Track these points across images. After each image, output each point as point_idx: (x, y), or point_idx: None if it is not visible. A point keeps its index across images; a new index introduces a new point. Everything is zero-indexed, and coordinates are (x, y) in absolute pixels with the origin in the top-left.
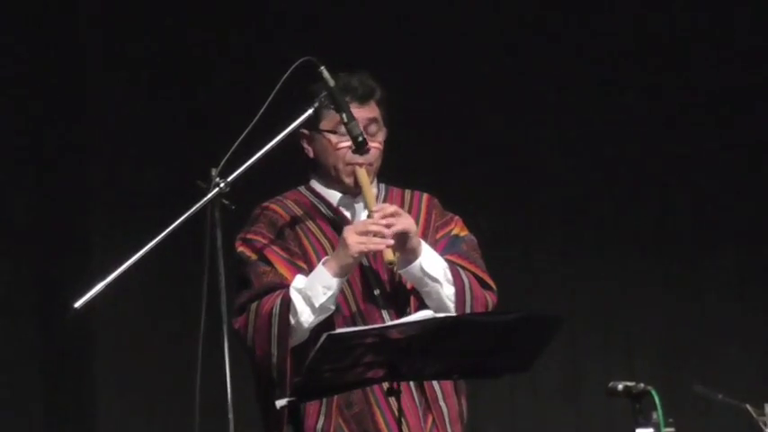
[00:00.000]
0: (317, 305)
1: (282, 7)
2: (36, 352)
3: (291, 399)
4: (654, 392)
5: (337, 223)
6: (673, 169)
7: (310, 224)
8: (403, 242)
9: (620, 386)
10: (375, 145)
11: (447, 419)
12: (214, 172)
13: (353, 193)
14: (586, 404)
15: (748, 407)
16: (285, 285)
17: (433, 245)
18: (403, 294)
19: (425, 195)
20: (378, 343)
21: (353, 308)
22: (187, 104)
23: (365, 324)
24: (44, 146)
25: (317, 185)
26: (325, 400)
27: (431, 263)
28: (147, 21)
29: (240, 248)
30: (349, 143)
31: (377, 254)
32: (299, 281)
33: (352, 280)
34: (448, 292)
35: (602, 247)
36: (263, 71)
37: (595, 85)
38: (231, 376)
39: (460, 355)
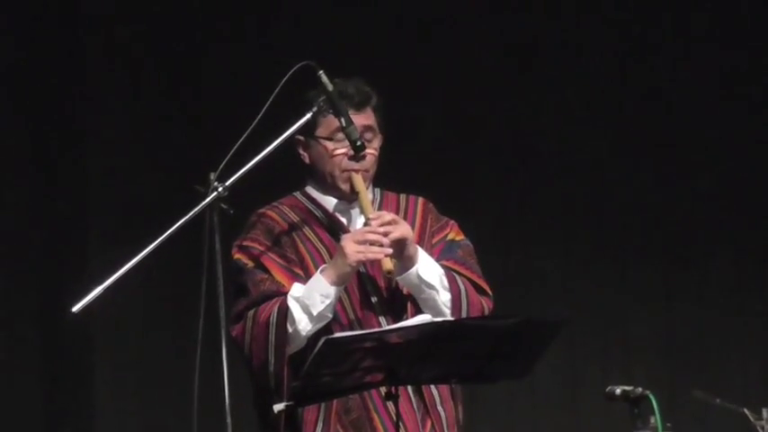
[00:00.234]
0: (314, 314)
1: (282, 11)
2: (34, 356)
3: (289, 403)
4: (652, 397)
5: (334, 229)
6: (672, 174)
7: (307, 231)
8: (400, 249)
9: (619, 390)
10: (370, 151)
11: (445, 424)
12: (212, 176)
13: (349, 199)
14: (585, 408)
15: (746, 411)
16: (282, 293)
17: (429, 250)
18: (400, 301)
19: (420, 200)
20: (376, 347)
21: (351, 315)
22: (186, 108)
23: (362, 329)
24: (43, 149)
25: (312, 191)
26: (323, 407)
27: (427, 270)
28: (146, 23)
29: (237, 255)
30: (345, 150)
31: (374, 261)
32: (296, 289)
33: (350, 287)
34: (444, 298)
35: (601, 252)
36: (262, 75)
37: (595, 86)
38: (229, 380)
39: (459, 359)
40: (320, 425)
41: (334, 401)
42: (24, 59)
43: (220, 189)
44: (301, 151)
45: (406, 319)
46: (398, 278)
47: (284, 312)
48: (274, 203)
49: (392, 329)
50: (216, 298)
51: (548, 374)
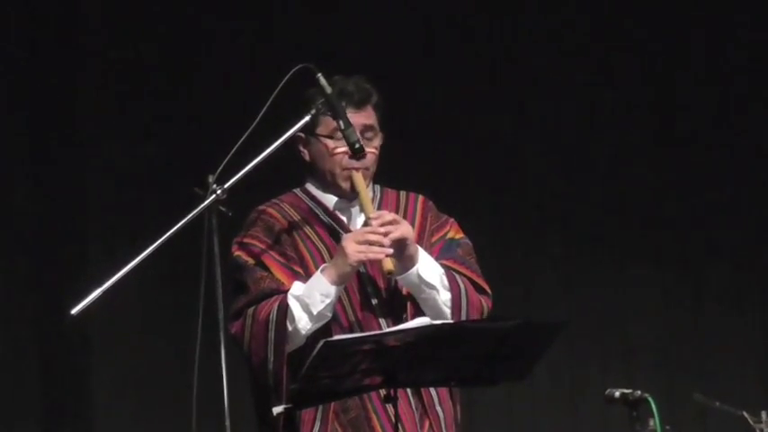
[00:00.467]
0: (314, 313)
1: (281, 12)
2: (34, 358)
3: (288, 406)
4: (651, 400)
5: (334, 228)
6: (671, 179)
7: (307, 228)
8: (401, 249)
9: (618, 393)
10: (371, 150)
11: (443, 424)
12: (211, 179)
13: (349, 197)
14: (584, 411)
15: (745, 414)
16: (282, 291)
17: (429, 249)
18: (400, 302)
19: (420, 198)
20: (375, 350)
21: (351, 317)
22: (185, 111)
23: (362, 331)
24: (42, 150)
25: (312, 189)
26: (321, 406)
27: (428, 269)
28: (146, 24)
29: (237, 253)
30: (345, 148)
31: (375, 262)
32: (296, 288)
33: (350, 288)
34: (444, 298)
35: (601, 255)
36: (260, 77)
37: (595, 87)
38: (228, 382)
39: (458, 362)
40: (318, 424)
41: (332, 403)
42: (24, 60)
43: (219, 191)
44: (302, 148)
45: (406, 319)
46: (399, 278)
47: (284, 310)
48: (274, 200)
49: (391, 332)
50: (214, 300)
51: (547, 377)
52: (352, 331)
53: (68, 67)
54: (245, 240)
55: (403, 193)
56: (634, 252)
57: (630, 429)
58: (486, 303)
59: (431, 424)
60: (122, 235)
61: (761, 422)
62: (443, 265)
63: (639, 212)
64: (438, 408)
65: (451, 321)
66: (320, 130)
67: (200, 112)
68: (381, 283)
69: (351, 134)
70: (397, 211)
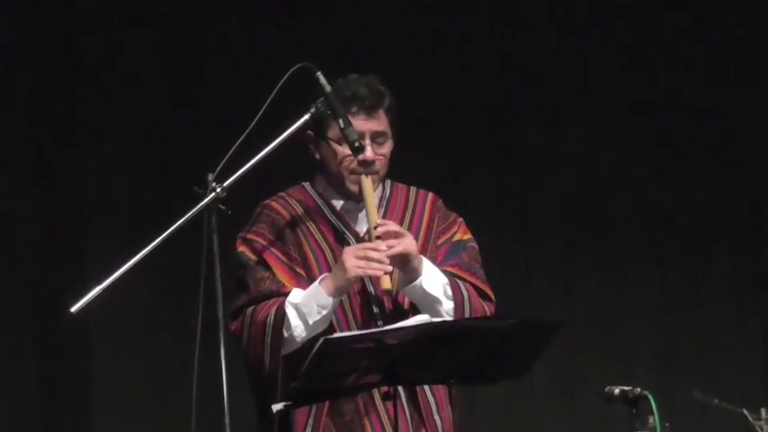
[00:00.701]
0: (310, 322)
1: (282, 12)
2: (33, 356)
3: (288, 403)
4: (650, 397)
5: (339, 229)
6: (670, 177)
7: (312, 226)
8: (404, 262)
9: (617, 391)
10: (380, 156)
11: (435, 409)
12: (211, 177)
13: (357, 199)
14: (583, 409)
15: (745, 411)
16: (282, 293)
17: (434, 252)
18: (402, 314)
19: (430, 196)
20: (374, 348)
21: (353, 327)
22: (185, 109)
23: None
24: (42, 149)
25: (321, 186)
26: (313, 412)
27: (431, 282)
28: (146, 23)
29: (240, 248)
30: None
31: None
32: (295, 295)
33: (352, 295)
34: (447, 307)
35: (600, 253)
36: (260, 76)
37: (595, 87)
38: (227, 381)
39: (457, 360)
40: (310, 424)
41: (326, 405)
42: (23, 59)
43: (218, 190)
44: (311, 147)
45: None
46: (403, 290)
47: (281, 317)
48: (281, 194)
49: (390, 330)
50: (214, 299)
51: (546, 375)
52: None
53: (68, 68)
54: (249, 236)
55: (413, 190)
56: (633, 251)
57: (630, 427)
58: (489, 309)
59: (420, 416)
60: (122, 233)
61: (760, 419)
62: (447, 273)
63: (639, 212)
64: (436, 416)
65: (451, 320)
66: (330, 133)
67: (199, 110)
68: (385, 300)
69: (350, 133)
70: (405, 210)
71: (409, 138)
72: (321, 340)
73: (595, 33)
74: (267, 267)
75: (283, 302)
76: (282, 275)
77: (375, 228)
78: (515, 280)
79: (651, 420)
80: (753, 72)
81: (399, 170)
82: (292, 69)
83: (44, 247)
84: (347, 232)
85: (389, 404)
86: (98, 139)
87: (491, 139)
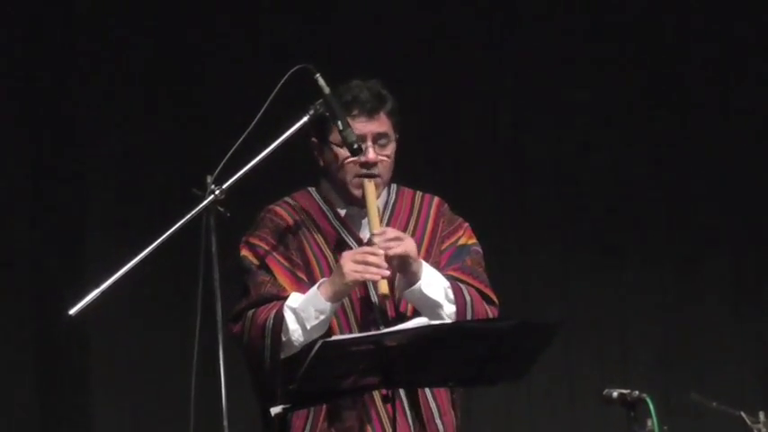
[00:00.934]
0: (308, 327)
1: (281, 13)
2: (31, 358)
3: (286, 406)
4: (649, 400)
5: (342, 236)
6: (668, 177)
7: (315, 232)
8: (404, 265)
9: (616, 393)
10: (383, 158)
11: (437, 412)
12: (210, 179)
13: (361, 204)
14: (581, 411)
15: (743, 414)
16: (282, 297)
17: (438, 256)
18: (403, 320)
19: (435, 200)
20: (373, 350)
21: (354, 329)
22: (184, 111)
23: None
24: (41, 151)
25: (325, 192)
26: (311, 417)
27: (431, 286)
28: (145, 24)
29: (243, 253)
30: (356, 158)
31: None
32: (293, 299)
33: (354, 300)
34: (449, 311)
35: (598, 256)
36: (259, 78)
37: (595, 87)
38: (226, 382)
39: (456, 362)
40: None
41: (324, 411)
42: (22, 60)
43: (217, 192)
44: (316, 154)
45: None
46: (403, 294)
47: (280, 321)
48: (287, 198)
49: (389, 333)
50: (213, 300)
51: (545, 377)
52: None
53: (68, 68)
54: (252, 240)
55: (419, 195)
56: (632, 253)
57: (628, 430)
58: (492, 314)
59: (422, 420)
60: (121, 235)
61: (758, 422)
62: (450, 277)
63: (638, 213)
64: (438, 421)
65: (449, 322)
66: (332, 137)
67: (198, 112)
68: (387, 306)
69: (349, 135)
70: (410, 215)
71: (408, 139)
72: (320, 342)
73: (595, 34)
74: (269, 271)
75: (282, 306)
76: (284, 280)
77: (374, 236)
78: (513, 282)
79: (649, 423)
80: (753, 72)
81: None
82: (291, 71)
83: (43, 249)
84: (350, 238)
85: (389, 406)
86: (97, 141)
87: (490, 141)
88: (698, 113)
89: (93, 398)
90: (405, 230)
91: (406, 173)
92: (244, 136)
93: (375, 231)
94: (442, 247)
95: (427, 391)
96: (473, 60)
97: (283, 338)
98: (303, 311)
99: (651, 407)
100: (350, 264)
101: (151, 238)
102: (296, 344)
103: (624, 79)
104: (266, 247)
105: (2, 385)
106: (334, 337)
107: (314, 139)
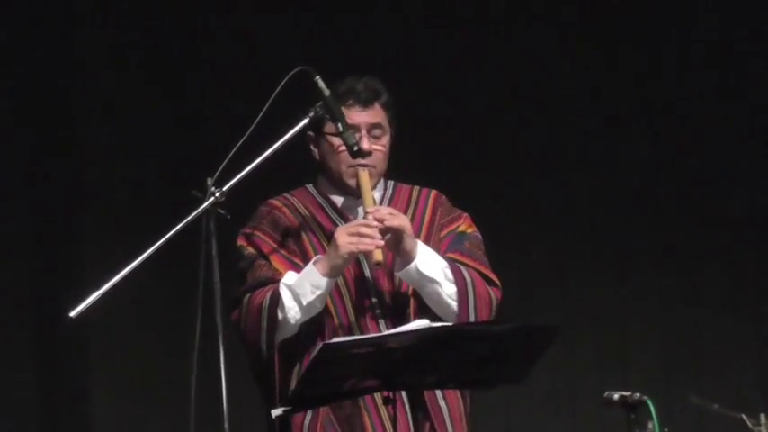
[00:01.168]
0: (304, 303)
1: (282, 14)
2: (31, 360)
3: (287, 408)
4: (649, 402)
5: (339, 225)
6: (667, 182)
7: (313, 224)
8: (397, 242)
9: (616, 396)
10: (378, 148)
11: (448, 419)
12: (210, 181)
13: (357, 195)
14: (582, 414)
15: (744, 417)
16: (277, 279)
17: (437, 243)
18: (401, 303)
19: (433, 193)
20: (373, 352)
21: (350, 317)
22: (183, 113)
23: (360, 333)
24: (40, 153)
25: (323, 186)
26: (311, 415)
27: (427, 264)
28: (144, 26)
29: (240, 243)
30: None
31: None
32: (289, 277)
33: (350, 288)
34: (449, 291)
35: (599, 258)
36: (259, 80)
37: (594, 88)
38: (226, 384)
39: (456, 364)
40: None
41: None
42: (21, 60)
43: (217, 194)
44: (312, 147)
45: (407, 323)
46: (399, 273)
47: (276, 299)
48: (285, 194)
49: (390, 335)
50: (213, 303)
51: (545, 379)
52: (350, 331)
53: (67, 70)
54: (249, 231)
55: (416, 189)
56: (632, 255)
57: None
58: (494, 295)
59: (432, 425)
60: (121, 237)
61: (759, 425)
62: (449, 259)
63: (637, 215)
64: (442, 402)
65: (449, 324)
66: (327, 128)
67: (198, 114)
68: (382, 286)
69: (349, 137)
70: (407, 207)
71: (408, 135)
72: (321, 345)
73: (595, 34)
74: (265, 258)
75: (278, 285)
76: (279, 265)
77: (367, 214)
78: (514, 283)
79: (650, 426)
80: (751, 75)
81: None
82: (291, 73)
83: (43, 251)
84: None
85: (389, 408)
86: (96, 143)
87: (490, 139)
88: (698, 114)
89: (93, 399)
90: None
91: (405, 170)
92: (244, 138)
93: (369, 209)
94: (441, 235)
95: (438, 393)
96: (474, 57)
97: (279, 316)
98: (299, 287)
99: (652, 409)
100: (344, 236)
101: (151, 240)
102: (292, 321)
103: (623, 80)
104: (263, 237)
105: (2, 385)
106: (334, 340)
107: (310, 133)
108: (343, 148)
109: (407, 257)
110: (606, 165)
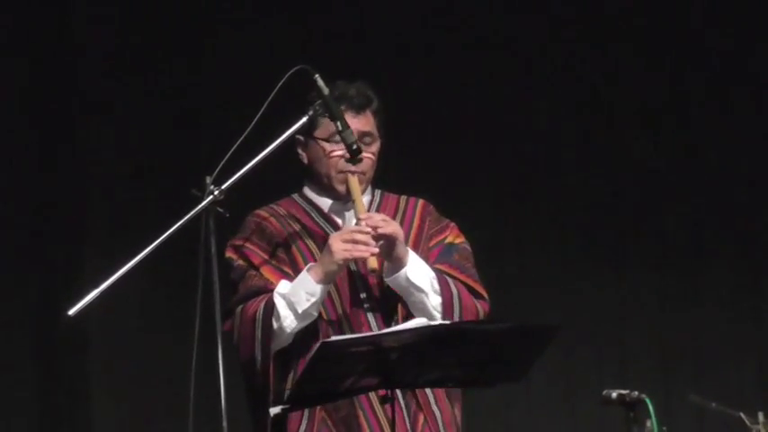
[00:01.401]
0: (299, 311)
1: (282, 13)
2: (31, 359)
3: (286, 407)
4: (648, 401)
5: (327, 230)
6: (667, 183)
7: (301, 231)
8: (389, 249)
9: (615, 394)
10: (367, 155)
11: (440, 422)
12: (209, 180)
13: (345, 200)
14: (581, 412)
15: (742, 415)
16: (270, 289)
17: (426, 253)
18: (390, 300)
19: (420, 202)
20: (372, 351)
21: (339, 311)
22: (183, 112)
23: (351, 328)
24: (40, 152)
25: (309, 192)
26: (307, 415)
27: (417, 272)
28: (145, 24)
29: (228, 254)
30: (342, 151)
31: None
32: (283, 286)
33: (339, 284)
34: (434, 302)
35: (598, 258)
36: (258, 78)
37: (593, 89)
38: (225, 382)
39: (455, 364)
40: (304, 422)
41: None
42: (22, 59)
43: (216, 192)
44: (300, 151)
45: (396, 318)
46: (387, 280)
47: (270, 308)
48: (271, 205)
49: (388, 333)
50: (212, 301)
51: (544, 378)
52: (340, 326)
53: (67, 69)
54: (237, 243)
55: (403, 198)
56: (630, 254)
57: (627, 430)
58: (482, 308)
59: (425, 419)
60: (120, 236)
61: (758, 423)
62: (437, 270)
63: (636, 215)
64: (434, 407)
65: (448, 323)
66: (318, 132)
67: (198, 113)
68: (372, 281)
69: (348, 136)
70: (395, 215)
71: (408, 138)
72: (320, 343)
73: (594, 35)
74: (254, 268)
75: (272, 295)
76: (269, 274)
77: (360, 220)
78: (512, 283)
79: (649, 424)
80: (752, 75)
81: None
82: (290, 72)
83: (42, 249)
84: (334, 231)
85: (387, 407)
86: (96, 142)
87: (489, 141)
88: (697, 115)
89: (93, 398)
90: None
91: (404, 174)
92: (243, 137)
93: (361, 216)
94: (430, 244)
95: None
96: (473, 62)
97: (275, 325)
98: (293, 296)
99: (650, 407)
100: (338, 243)
101: (150, 238)
102: (287, 330)
103: (622, 81)
104: (251, 247)
105: (1, 385)
106: (333, 338)
107: (299, 136)
108: (335, 153)
109: (398, 264)
110: (606, 165)
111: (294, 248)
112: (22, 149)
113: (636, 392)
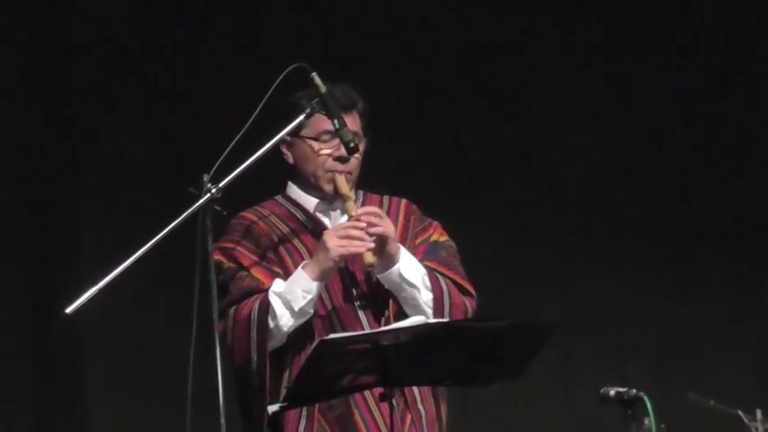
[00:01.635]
0: (296, 309)
1: (280, 12)
2: (27, 357)
3: (283, 404)
4: (646, 398)
5: (314, 229)
6: (664, 179)
7: (287, 231)
8: (382, 246)
9: (613, 392)
10: (354, 155)
11: (424, 422)
12: (206, 178)
13: (331, 199)
14: (578, 410)
15: (740, 413)
16: (262, 289)
17: (412, 251)
18: (381, 296)
19: (404, 201)
20: (370, 349)
21: (329, 307)
22: (179, 110)
23: (342, 326)
24: (37, 151)
25: (293, 192)
26: (305, 414)
27: (409, 269)
28: (144, 23)
29: (216, 257)
30: (330, 150)
31: (356, 257)
32: (277, 285)
33: (330, 280)
34: (425, 298)
35: (595, 255)
36: (255, 77)
37: (590, 87)
38: (223, 381)
39: (452, 361)
40: (303, 422)
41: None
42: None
43: (213, 191)
44: (285, 151)
45: (387, 315)
46: (380, 276)
47: (265, 308)
48: (255, 207)
49: (386, 331)
50: (209, 299)
51: (542, 376)
52: (331, 323)
53: (66, 66)
54: (224, 245)
55: (386, 198)
56: (628, 252)
57: (625, 428)
58: (470, 305)
59: (413, 419)
60: (117, 234)
61: (755, 420)
62: (426, 267)
63: (634, 213)
64: (420, 406)
65: (446, 321)
66: (306, 131)
67: (195, 111)
68: (362, 276)
69: (345, 133)
70: None
71: (407, 136)
72: (317, 341)
73: (593, 34)
74: (245, 270)
75: (266, 294)
76: (259, 274)
77: (353, 218)
78: (511, 281)
79: (646, 422)
80: (750, 73)
81: (396, 169)
82: (288, 70)
83: (39, 247)
84: (322, 232)
85: (384, 405)
86: (94, 140)
87: (488, 139)
88: (696, 114)
89: (89, 396)
90: None
91: (403, 173)
92: (240, 134)
93: (358, 211)
94: (416, 243)
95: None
96: (468, 58)
97: (271, 324)
98: (289, 294)
99: (648, 405)
100: (334, 239)
101: (148, 236)
102: (284, 329)
103: (621, 79)
104: (241, 250)
105: None
106: (331, 336)
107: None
108: (323, 152)
109: (390, 261)
110: (605, 164)
111: (282, 249)
112: (22, 149)
113: (634, 390)
